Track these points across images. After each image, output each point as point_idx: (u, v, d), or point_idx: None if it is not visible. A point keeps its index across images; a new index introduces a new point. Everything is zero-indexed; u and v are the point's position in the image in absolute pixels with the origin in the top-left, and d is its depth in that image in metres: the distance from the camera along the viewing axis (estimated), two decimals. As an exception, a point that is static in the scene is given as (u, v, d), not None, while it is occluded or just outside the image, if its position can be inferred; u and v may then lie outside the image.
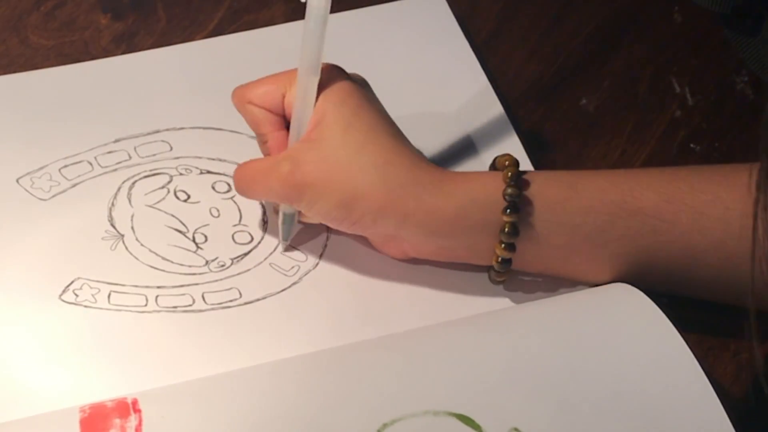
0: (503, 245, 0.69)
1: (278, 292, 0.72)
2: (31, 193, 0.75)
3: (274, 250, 0.73)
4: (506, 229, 0.68)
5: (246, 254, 0.73)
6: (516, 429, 0.62)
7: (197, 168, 0.77)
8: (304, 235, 0.74)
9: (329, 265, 0.73)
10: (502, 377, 0.64)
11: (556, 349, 0.65)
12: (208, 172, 0.77)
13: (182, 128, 0.78)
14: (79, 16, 0.85)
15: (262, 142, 0.72)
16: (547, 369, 0.64)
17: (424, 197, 0.68)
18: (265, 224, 0.74)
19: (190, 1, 0.87)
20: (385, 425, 0.61)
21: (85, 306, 0.70)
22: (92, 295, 0.71)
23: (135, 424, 0.61)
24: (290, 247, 0.74)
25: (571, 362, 0.65)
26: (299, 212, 0.72)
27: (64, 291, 0.71)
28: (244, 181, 0.71)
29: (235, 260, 0.73)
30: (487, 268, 0.72)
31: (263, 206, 0.75)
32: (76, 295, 0.71)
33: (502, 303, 0.72)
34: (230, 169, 0.76)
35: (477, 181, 0.69)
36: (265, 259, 0.73)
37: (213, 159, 0.77)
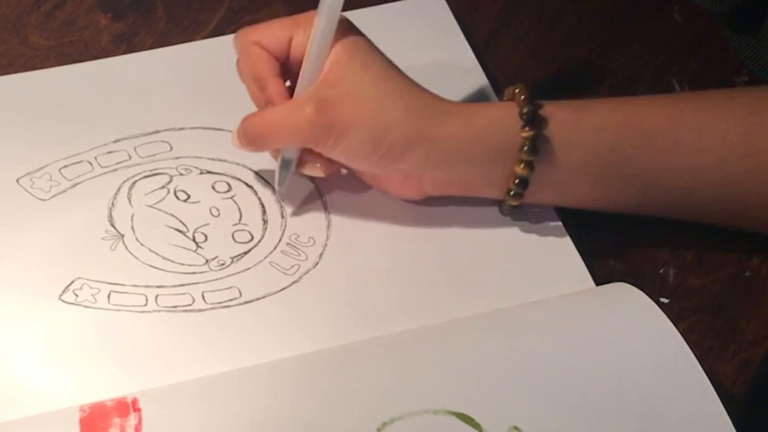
0: (522, 164, 0.70)
1: (278, 291, 0.72)
2: (31, 193, 0.75)
3: (274, 248, 0.73)
4: (525, 147, 0.70)
5: (246, 253, 0.73)
6: (516, 428, 0.62)
7: (197, 168, 0.77)
8: (305, 224, 0.74)
9: (330, 264, 0.73)
10: (501, 376, 0.64)
11: (557, 349, 0.65)
12: (208, 172, 0.77)
13: (182, 128, 0.78)
14: (79, 16, 0.85)
15: (261, 87, 0.72)
16: (547, 368, 0.64)
17: (449, 123, 0.70)
18: (265, 223, 0.74)
19: (190, 1, 0.87)
20: (384, 424, 0.61)
21: (85, 306, 0.70)
22: (92, 295, 0.71)
23: (135, 423, 0.61)
24: (299, 221, 0.74)
25: (571, 362, 0.65)
26: (298, 160, 0.72)
27: (64, 291, 0.71)
28: (261, 129, 0.71)
29: (234, 259, 0.73)
30: (499, 202, 0.74)
31: (262, 205, 0.75)
32: (76, 295, 0.71)
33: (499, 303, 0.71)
34: (230, 169, 0.77)
35: (494, 107, 0.72)
36: (265, 257, 0.73)
37: (213, 159, 0.77)
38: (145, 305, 0.71)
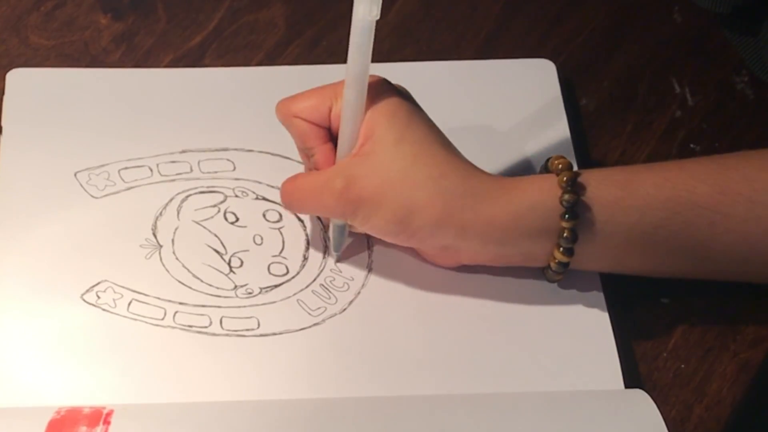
0: (562, 250, 0.69)
1: (296, 330, 0.71)
2: (84, 189, 0.75)
3: (306, 287, 0.72)
4: (565, 235, 0.68)
5: (276, 286, 0.72)
6: None
7: (254, 192, 0.76)
8: (345, 269, 0.73)
9: (357, 313, 0.72)
10: None
11: None
12: (264, 198, 0.76)
13: (251, 150, 0.77)
14: (79, 16, 0.85)
15: (308, 156, 0.71)
16: None
17: (481, 207, 0.68)
18: (305, 260, 0.73)
19: (190, 1, 0.87)
20: None
21: (104, 309, 0.70)
22: (113, 300, 0.71)
23: None
24: (337, 265, 0.73)
25: None
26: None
27: (87, 291, 0.71)
28: (294, 196, 0.71)
29: (263, 290, 0.72)
30: (543, 269, 0.72)
31: (307, 241, 0.74)
32: (98, 297, 0.71)
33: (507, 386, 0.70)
34: None
35: (532, 187, 0.69)
36: (294, 294, 0.72)
37: (272, 186, 0.76)
38: (162, 319, 0.70)
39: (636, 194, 0.69)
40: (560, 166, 0.69)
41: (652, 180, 0.69)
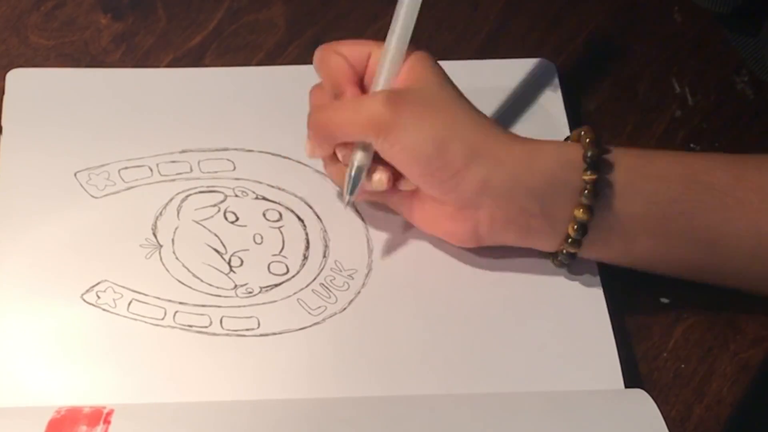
0: (582, 208, 0.69)
1: (297, 330, 0.70)
2: (84, 189, 0.75)
3: (306, 286, 0.72)
4: (586, 191, 0.69)
5: (276, 285, 0.72)
6: None
7: (254, 192, 0.76)
8: (345, 268, 0.73)
9: (357, 312, 0.71)
10: None
11: None
12: (264, 198, 0.76)
13: (251, 150, 0.77)
14: (79, 16, 0.85)
15: (338, 94, 0.71)
16: None
17: (516, 147, 0.69)
18: (305, 259, 0.73)
19: (190, 1, 0.87)
20: None
21: (104, 309, 0.70)
22: (113, 300, 0.71)
23: None
24: (337, 263, 0.73)
25: None
26: (368, 174, 0.71)
27: (87, 290, 0.71)
28: (328, 118, 0.70)
29: (263, 289, 0.72)
30: (553, 254, 0.72)
31: (307, 241, 0.74)
32: (98, 297, 0.71)
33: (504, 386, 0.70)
34: (286, 199, 0.76)
35: (562, 145, 0.71)
36: (294, 293, 0.72)
37: (272, 186, 0.76)
38: (162, 319, 0.70)
39: (654, 165, 0.70)
40: (582, 132, 0.70)
41: (668, 157, 0.71)
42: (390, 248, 0.74)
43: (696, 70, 0.86)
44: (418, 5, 0.71)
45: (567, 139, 0.73)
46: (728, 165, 0.71)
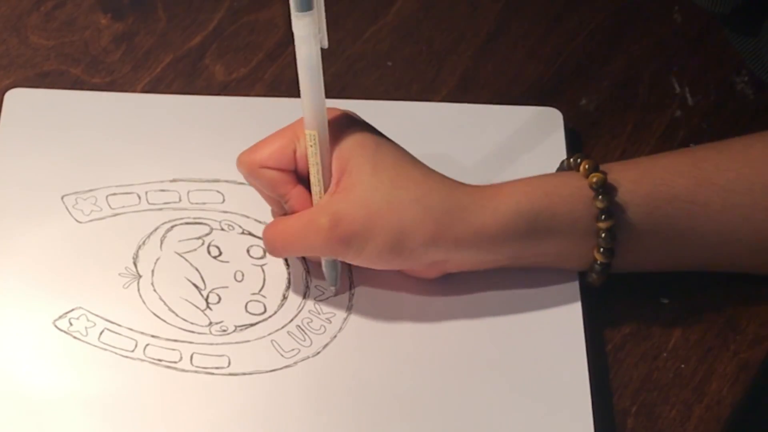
0: (601, 251, 0.70)
1: (266, 372, 0.70)
2: (70, 213, 0.74)
3: (282, 327, 0.71)
4: (603, 234, 0.70)
5: (252, 325, 0.71)
6: None
7: (240, 227, 0.75)
8: (324, 312, 0.72)
9: (330, 357, 0.71)
10: None
11: None
12: (250, 233, 0.75)
13: (242, 183, 0.75)
14: (79, 16, 0.85)
15: (284, 202, 0.70)
16: None
17: (471, 219, 0.68)
18: (284, 299, 0.73)
19: (190, 1, 0.87)
20: None
21: (74, 337, 0.70)
22: (85, 328, 0.70)
23: None
24: (316, 307, 0.73)
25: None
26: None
27: (60, 317, 0.70)
28: (278, 242, 0.70)
29: (238, 328, 0.71)
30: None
31: (289, 281, 0.73)
32: (71, 324, 0.70)
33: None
34: None
35: (516, 191, 0.70)
36: (269, 334, 0.71)
37: (260, 222, 0.75)
38: (132, 351, 0.70)
39: (618, 190, 0.70)
40: (587, 165, 0.71)
41: (630, 178, 0.71)
42: (372, 294, 0.73)
43: (696, 70, 0.86)
44: (322, 86, 0.67)
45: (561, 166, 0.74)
46: (687, 171, 0.71)
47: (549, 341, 0.71)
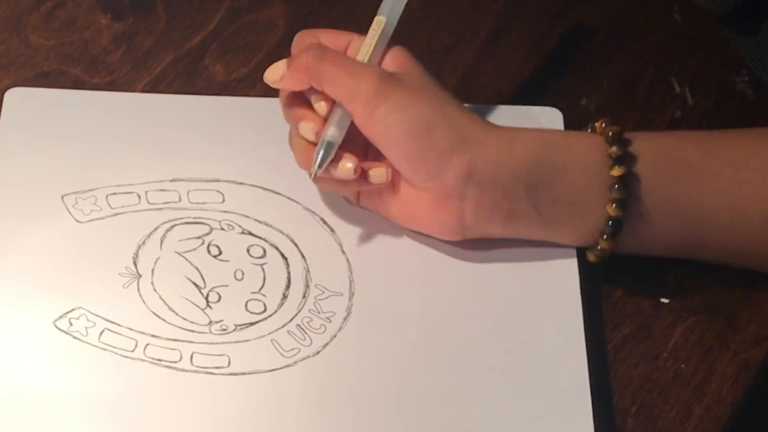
0: (614, 203, 0.70)
1: (267, 371, 0.69)
2: (70, 212, 0.74)
3: (282, 326, 0.71)
4: (617, 185, 0.70)
5: (252, 324, 0.71)
6: None
7: (240, 227, 0.75)
8: (324, 310, 0.72)
9: (331, 357, 0.70)
10: None
11: None
12: (250, 233, 0.75)
13: (242, 183, 0.76)
14: (79, 16, 0.85)
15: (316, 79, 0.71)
16: None
17: (498, 132, 0.71)
18: (284, 299, 0.72)
19: (190, 1, 0.87)
20: None
21: (74, 337, 0.70)
22: (86, 328, 0.70)
23: None
24: (316, 306, 0.72)
25: None
26: (335, 162, 0.71)
27: (60, 317, 0.70)
28: (325, 61, 0.70)
29: (238, 327, 0.71)
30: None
31: (289, 280, 0.73)
32: (71, 324, 0.70)
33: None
34: (272, 236, 0.75)
35: (534, 130, 0.73)
36: (269, 333, 0.71)
37: (259, 221, 0.75)
38: (132, 351, 0.70)
39: (630, 143, 0.71)
40: (603, 125, 0.72)
41: (639, 137, 0.72)
42: (372, 294, 0.73)
43: (696, 70, 0.86)
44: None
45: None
46: (700, 141, 0.72)
47: (549, 341, 0.71)
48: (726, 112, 0.84)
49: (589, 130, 0.74)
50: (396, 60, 0.73)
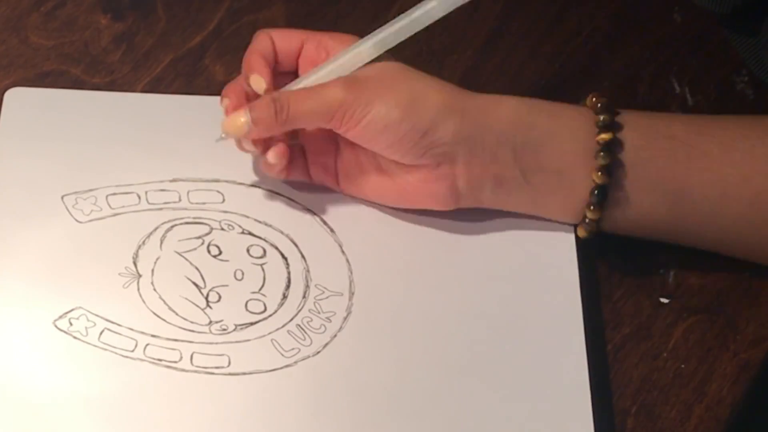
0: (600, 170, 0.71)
1: (267, 371, 0.70)
2: (70, 213, 0.74)
3: (282, 326, 0.71)
4: (602, 152, 0.70)
5: (252, 324, 0.71)
6: None
7: (240, 227, 0.75)
8: (324, 311, 0.72)
9: (331, 357, 0.70)
10: None
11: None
12: (250, 233, 0.75)
13: (242, 183, 0.76)
14: (79, 16, 0.85)
15: (246, 77, 0.72)
16: None
17: (481, 100, 0.72)
18: (284, 299, 0.72)
19: (190, 1, 0.87)
20: None
21: (74, 337, 0.70)
22: (85, 328, 0.70)
23: None
24: (316, 305, 0.72)
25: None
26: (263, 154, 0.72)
27: (60, 317, 0.70)
28: (286, 99, 0.71)
29: (238, 327, 0.71)
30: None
31: (289, 280, 0.73)
32: (71, 324, 0.70)
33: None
34: (272, 236, 0.75)
35: (521, 97, 0.73)
36: (270, 333, 0.71)
37: (259, 221, 0.75)
38: (132, 351, 0.70)
39: (618, 114, 0.72)
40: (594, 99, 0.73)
41: (629, 113, 0.72)
42: (372, 293, 0.73)
43: (696, 70, 0.86)
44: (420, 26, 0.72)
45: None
46: (690, 120, 0.73)
47: (549, 341, 0.71)
48: (726, 112, 0.83)
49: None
50: (366, 66, 0.72)
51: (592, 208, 0.71)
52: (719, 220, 0.72)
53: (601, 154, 0.70)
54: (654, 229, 0.73)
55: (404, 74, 0.71)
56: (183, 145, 0.78)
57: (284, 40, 0.73)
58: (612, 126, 0.71)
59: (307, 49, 0.74)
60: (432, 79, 0.72)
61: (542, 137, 0.71)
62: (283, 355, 0.70)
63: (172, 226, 0.75)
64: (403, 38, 0.72)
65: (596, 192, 0.71)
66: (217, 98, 0.81)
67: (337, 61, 0.72)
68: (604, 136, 0.70)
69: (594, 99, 0.73)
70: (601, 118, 0.71)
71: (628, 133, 0.71)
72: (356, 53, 0.72)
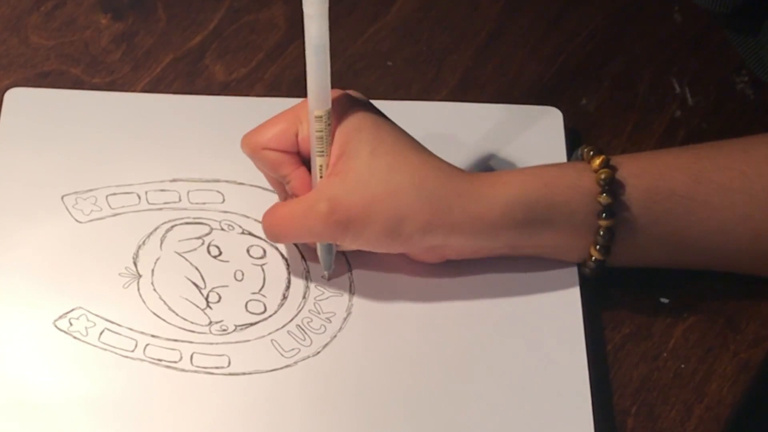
0: (597, 247, 0.71)
1: (267, 371, 0.69)
2: (69, 213, 0.74)
3: (282, 327, 0.71)
4: (601, 233, 0.70)
5: (252, 324, 0.71)
6: None
7: (240, 227, 0.75)
8: (324, 311, 0.72)
9: (331, 357, 0.70)
10: None
11: None
12: (250, 233, 0.75)
13: (242, 183, 0.76)
14: (79, 16, 0.85)
15: (284, 183, 0.71)
16: None
17: (468, 206, 0.69)
18: (284, 299, 0.72)
19: (190, 1, 0.87)
20: None
21: (74, 337, 0.70)
22: (86, 328, 0.70)
23: None
24: (316, 306, 0.72)
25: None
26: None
27: (60, 317, 0.70)
28: (277, 227, 0.71)
29: (238, 327, 0.71)
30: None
31: (289, 280, 0.73)
32: (71, 324, 0.70)
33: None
34: None
35: (515, 180, 0.71)
36: (270, 333, 0.71)
37: (260, 222, 0.74)
38: (132, 351, 0.69)
39: (621, 191, 0.71)
40: (591, 153, 0.71)
41: (633, 172, 0.71)
42: (372, 294, 0.73)
43: (696, 70, 0.86)
44: (327, 68, 0.67)
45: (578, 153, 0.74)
46: (687, 167, 0.71)
47: (549, 341, 0.71)
48: (726, 112, 0.84)
49: (585, 151, 0.72)
50: (341, 137, 0.69)
51: (588, 271, 0.73)
52: (722, 259, 0.73)
53: (601, 233, 0.70)
54: (653, 267, 0.74)
55: (385, 179, 0.68)
56: (183, 145, 0.78)
57: (277, 142, 0.70)
58: (613, 211, 0.70)
59: (303, 135, 0.70)
60: (416, 185, 0.69)
61: (538, 225, 0.70)
62: (283, 355, 0.70)
63: (172, 227, 0.75)
64: (324, 78, 0.67)
65: (592, 263, 0.72)
66: (217, 98, 0.81)
67: (314, 146, 0.69)
68: (605, 223, 0.70)
69: (598, 162, 0.71)
70: (604, 197, 0.70)
71: (631, 208, 0.70)
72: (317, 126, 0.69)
